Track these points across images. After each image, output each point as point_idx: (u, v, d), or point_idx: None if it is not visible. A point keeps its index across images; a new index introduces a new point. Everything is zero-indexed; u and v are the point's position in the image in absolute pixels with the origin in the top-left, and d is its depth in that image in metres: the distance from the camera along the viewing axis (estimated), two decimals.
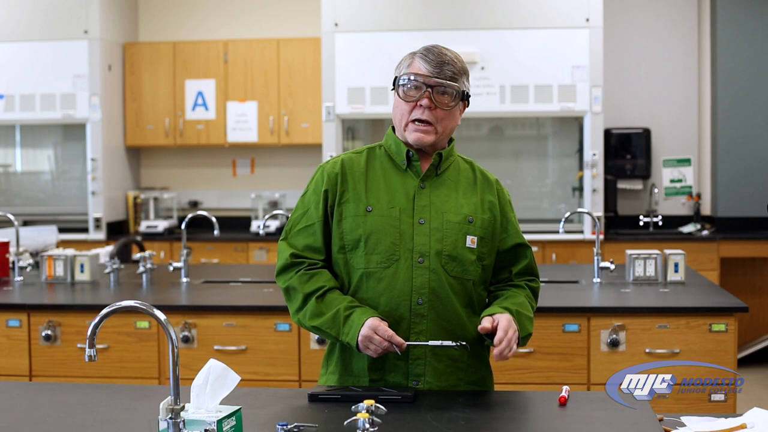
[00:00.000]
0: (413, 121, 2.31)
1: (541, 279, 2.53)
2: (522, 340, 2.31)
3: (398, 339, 2.21)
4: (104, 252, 5.04)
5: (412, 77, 2.29)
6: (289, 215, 4.72)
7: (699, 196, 6.86)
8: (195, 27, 7.43)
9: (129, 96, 7.17)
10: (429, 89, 2.28)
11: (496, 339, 2.21)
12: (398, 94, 2.32)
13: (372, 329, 2.20)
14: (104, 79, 6.83)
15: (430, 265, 2.29)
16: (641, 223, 6.90)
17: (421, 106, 2.29)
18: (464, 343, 2.24)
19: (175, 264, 4.41)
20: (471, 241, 2.33)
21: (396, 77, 2.35)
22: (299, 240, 2.37)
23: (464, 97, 2.33)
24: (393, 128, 2.43)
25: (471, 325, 2.35)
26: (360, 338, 2.21)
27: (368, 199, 2.33)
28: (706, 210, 6.95)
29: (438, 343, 2.24)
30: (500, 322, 2.23)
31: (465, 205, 2.35)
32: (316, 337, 3.74)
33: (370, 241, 2.30)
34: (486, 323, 2.24)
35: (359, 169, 2.37)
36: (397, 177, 2.36)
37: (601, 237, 6.13)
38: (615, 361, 3.63)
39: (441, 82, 2.28)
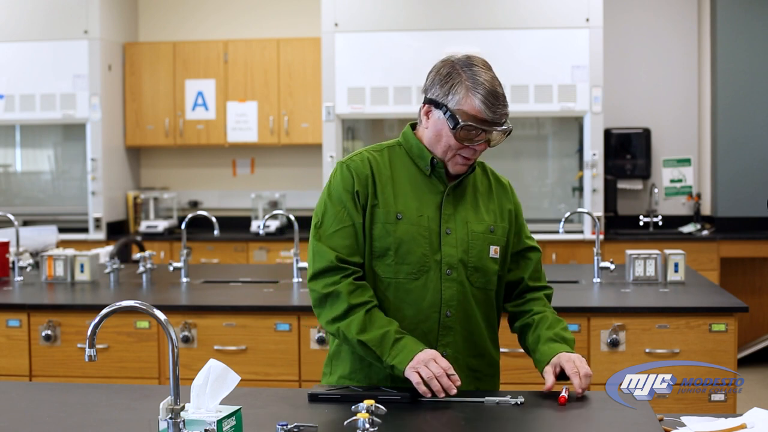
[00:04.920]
0: (461, 155, 2.25)
1: None
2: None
3: (456, 374, 2.14)
4: (104, 252, 5.04)
5: (472, 124, 2.19)
6: (290, 215, 4.71)
7: (699, 196, 6.86)
8: (195, 27, 7.43)
9: (129, 96, 7.17)
10: (485, 134, 2.21)
11: (574, 382, 2.22)
12: (454, 135, 2.21)
13: (433, 356, 2.14)
14: (104, 79, 6.83)
15: (458, 277, 2.26)
16: (641, 223, 6.90)
17: (475, 149, 2.23)
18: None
19: (175, 264, 4.41)
20: (494, 251, 2.30)
21: (443, 105, 2.22)
22: (339, 241, 2.26)
23: (508, 133, 2.26)
24: (411, 126, 2.36)
25: (489, 338, 2.36)
26: (415, 360, 2.13)
27: (397, 205, 2.26)
28: (706, 210, 6.96)
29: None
30: (564, 366, 2.24)
31: (485, 214, 2.32)
32: (317, 336, 3.74)
33: (400, 251, 2.24)
34: (549, 377, 2.23)
35: (385, 171, 2.29)
36: (423, 182, 2.30)
37: (601, 237, 6.13)
38: (615, 361, 3.62)
39: (499, 130, 2.21)
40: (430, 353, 2.16)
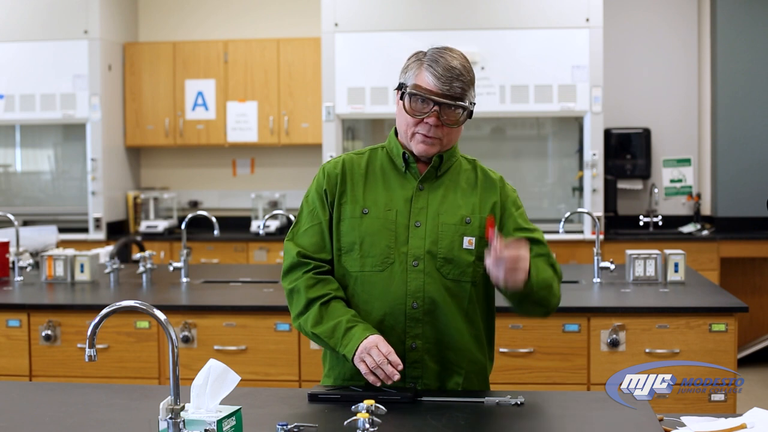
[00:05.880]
0: (419, 133, 2.27)
1: None
2: (540, 283, 2.24)
3: (396, 357, 2.16)
4: (104, 252, 5.04)
5: (417, 92, 2.22)
6: (290, 215, 4.72)
7: (699, 196, 6.86)
8: (195, 27, 7.43)
9: (129, 96, 7.17)
10: (436, 107, 2.22)
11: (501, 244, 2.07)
12: (404, 106, 2.26)
13: (374, 343, 2.16)
14: (104, 79, 6.83)
15: (425, 269, 2.25)
16: (641, 223, 6.90)
17: (427, 123, 2.24)
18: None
19: (175, 264, 4.41)
20: (468, 242, 2.28)
21: (402, 84, 2.28)
22: (307, 239, 2.33)
23: (470, 115, 2.26)
24: (395, 130, 2.38)
25: (469, 333, 2.31)
26: (360, 348, 2.16)
27: (365, 202, 2.30)
28: (706, 210, 6.96)
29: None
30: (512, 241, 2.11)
31: (462, 206, 2.31)
32: None
33: (365, 244, 2.27)
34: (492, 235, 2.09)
35: (359, 170, 2.34)
36: (397, 179, 2.33)
37: (601, 237, 6.13)
38: (615, 361, 3.63)
39: (449, 103, 2.22)
40: (372, 340, 2.17)
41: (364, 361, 2.16)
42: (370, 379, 2.17)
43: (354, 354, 2.17)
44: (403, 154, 2.32)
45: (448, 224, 2.28)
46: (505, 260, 2.08)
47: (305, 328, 2.28)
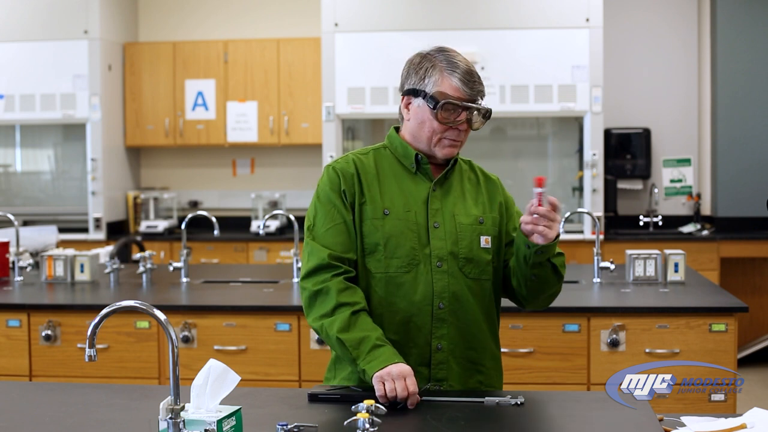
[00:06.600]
0: (447, 138, 2.28)
1: None
2: (554, 258, 2.29)
3: (416, 399, 2.13)
4: (104, 252, 5.04)
5: (452, 101, 2.23)
6: (290, 215, 4.71)
7: (699, 196, 6.86)
8: (195, 27, 7.43)
9: (129, 96, 7.17)
10: (466, 112, 2.25)
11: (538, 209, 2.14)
12: (435, 116, 2.25)
13: (404, 375, 2.12)
14: (104, 79, 6.83)
15: (449, 269, 2.27)
16: (641, 223, 6.90)
17: (457, 128, 2.26)
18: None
19: (175, 264, 4.41)
20: (485, 241, 2.31)
21: (420, 91, 2.27)
22: (332, 239, 2.28)
23: (489, 115, 2.29)
24: (395, 129, 2.39)
25: (488, 330, 2.34)
26: (386, 371, 2.11)
27: (384, 202, 2.29)
28: (706, 210, 6.96)
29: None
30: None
31: (473, 207, 2.34)
32: (316, 337, 3.74)
33: (389, 245, 2.26)
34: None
35: (371, 170, 2.33)
36: (409, 180, 2.33)
37: (601, 237, 6.13)
38: (615, 361, 3.63)
39: (478, 108, 2.25)
40: (403, 369, 2.13)
41: (384, 384, 2.12)
42: (382, 400, 2.13)
43: (376, 371, 2.13)
44: (416, 155, 2.32)
45: (464, 225, 2.31)
46: (544, 214, 2.14)
47: (328, 331, 2.21)
